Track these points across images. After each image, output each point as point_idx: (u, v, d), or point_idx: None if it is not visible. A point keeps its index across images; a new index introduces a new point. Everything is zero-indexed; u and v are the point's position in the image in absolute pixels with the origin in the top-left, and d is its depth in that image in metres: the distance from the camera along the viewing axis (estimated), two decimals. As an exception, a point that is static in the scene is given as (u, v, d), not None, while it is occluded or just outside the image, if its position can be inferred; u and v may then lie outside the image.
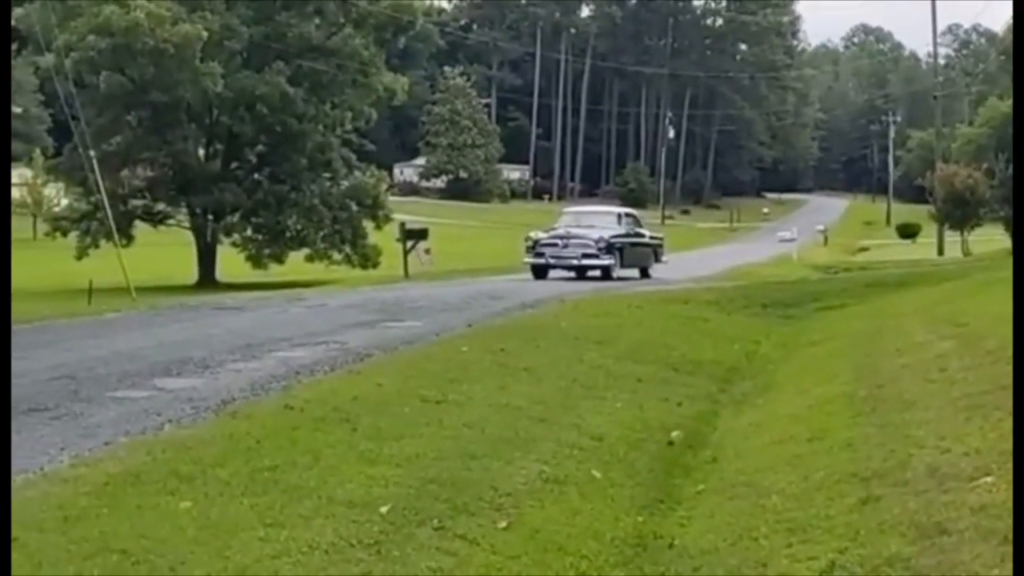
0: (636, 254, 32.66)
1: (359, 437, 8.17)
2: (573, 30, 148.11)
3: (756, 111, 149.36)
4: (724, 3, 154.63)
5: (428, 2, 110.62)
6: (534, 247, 31.24)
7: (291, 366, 11.47)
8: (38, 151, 77.27)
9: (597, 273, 30.32)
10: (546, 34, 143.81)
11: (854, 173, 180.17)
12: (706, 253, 60.02)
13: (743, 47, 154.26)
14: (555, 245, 30.94)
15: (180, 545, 5.67)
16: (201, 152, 51.14)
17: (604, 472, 8.38)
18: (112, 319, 18.15)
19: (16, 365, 11.91)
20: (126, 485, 6.65)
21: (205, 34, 44.77)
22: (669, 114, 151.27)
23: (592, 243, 30.47)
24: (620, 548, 6.74)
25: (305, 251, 49.66)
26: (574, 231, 31.32)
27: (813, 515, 6.68)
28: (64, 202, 58.66)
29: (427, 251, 39.85)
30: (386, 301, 20.95)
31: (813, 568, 5.77)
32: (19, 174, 79.64)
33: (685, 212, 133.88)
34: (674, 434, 10.06)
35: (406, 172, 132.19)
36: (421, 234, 40.11)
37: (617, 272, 30.55)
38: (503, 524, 6.71)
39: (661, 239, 36.13)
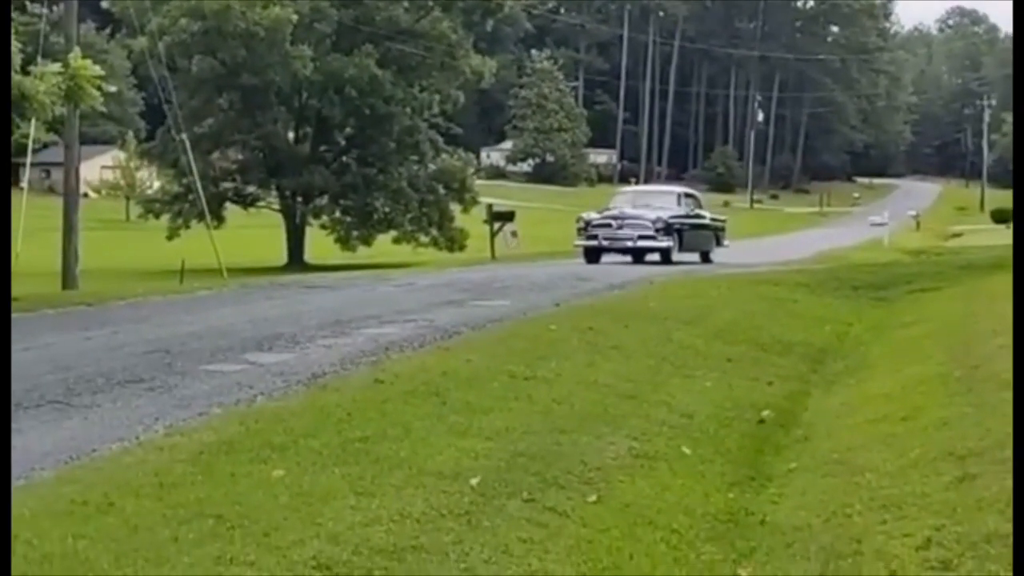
0: (697, 237, 30.68)
1: (449, 410, 8.19)
2: (662, 13, 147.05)
3: (847, 94, 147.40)
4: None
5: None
6: (586, 229, 29.53)
7: (380, 342, 11.52)
8: (131, 134, 78.51)
9: (655, 257, 28.67)
10: (634, 16, 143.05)
11: (947, 157, 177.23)
12: (795, 237, 59.45)
13: (835, 29, 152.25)
14: (609, 226, 29.13)
15: (273, 512, 5.72)
16: (291, 135, 51.76)
17: (694, 449, 8.33)
18: (204, 297, 18.39)
19: (111, 339, 12.14)
20: (220, 454, 6.73)
21: (295, 17, 45.26)
22: (758, 97, 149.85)
23: (649, 224, 28.59)
24: (711, 523, 6.70)
25: (392, 233, 50.05)
26: (629, 211, 29.50)
27: (908, 492, 6.58)
28: (156, 184, 59.70)
29: (514, 233, 39.86)
30: (473, 281, 20.98)
31: (909, 544, 5.68)
32: (112, 157, 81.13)
33: (774, 197, 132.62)
34: (765, 413, 9.97)
35: (493, 156, 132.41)
36: (508, 216, 40.08)
37: (676, 255, 28.77)
38: (593, 498, 6.69)
39: (723, 221, 34.19)
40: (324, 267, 40.77)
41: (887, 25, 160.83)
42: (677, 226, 29.23)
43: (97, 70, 19.77)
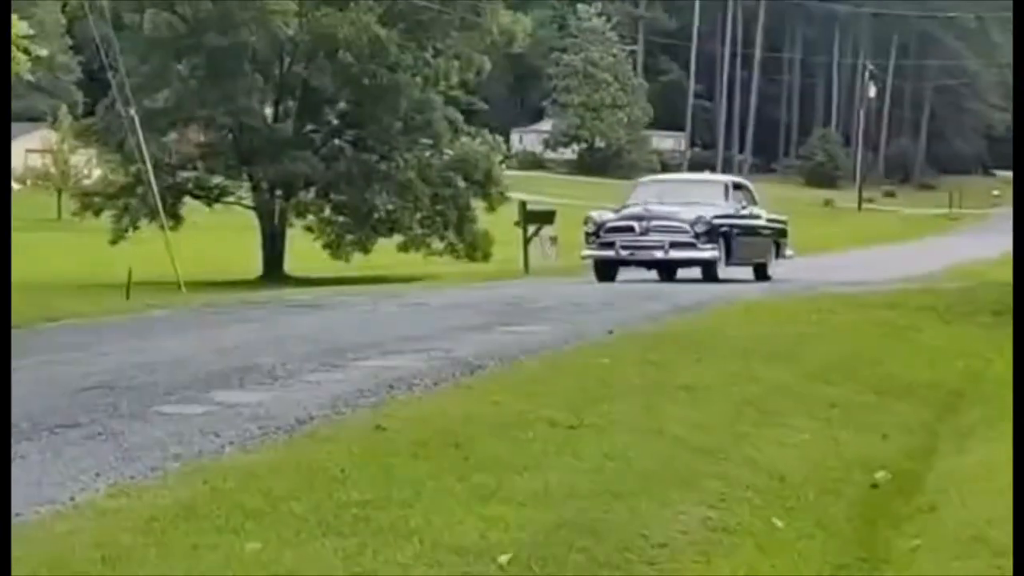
0: (751, 245, 28.73)
1: (471, 468, 8.21)
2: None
3: (984, 63, 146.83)
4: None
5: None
6: (597, 234, 27.61)
7: (383, 378, 11.58)
8: (65, 108, 78.62)
9: (689, 273, 27.05)
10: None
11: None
12: (917, 246, 59.27)
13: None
14: (630, 230, 27.09)
15: (246, 597, 5.75)
16: (268, 111, 51.90)
17: (788, 521, 8.31)
18: (157, 318, 18.50)
19: (39, 371, 12.22)
20: (178, 520, 6.77)
21: (276, -40, 45.45)
22: (870, 66, 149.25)
23: (687, 226, 26.62)
24: (811, 619, 6.69)
25: (397, 238, 50.09)
26: (658, 209, 27.31)
27: (1068, 581, 6.54)
28: (97, 173, 60.10)
29: (553, 239, 39.95)
30: (502, 300, 21.07)
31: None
32: (41, 137, 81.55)
33: (889, 194, 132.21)
34: (879, 474, 9.94)
35: (527, 139, 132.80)
36: (546, 218, 40.14)
37: (723, 270, 26.98)
38: (657, 583, 6.70)
39: (784, 223, 32.03)
40: (310, 280, 40.90)
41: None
42: (724, 229, 27.38)
43: (24, 28, 19.95)
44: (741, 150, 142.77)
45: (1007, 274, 37.91)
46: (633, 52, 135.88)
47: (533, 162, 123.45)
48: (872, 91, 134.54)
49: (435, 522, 7.03)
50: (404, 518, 7.04)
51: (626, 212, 27.97)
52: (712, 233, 26.79)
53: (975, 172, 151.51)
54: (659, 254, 26.79)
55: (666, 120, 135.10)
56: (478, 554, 6.60)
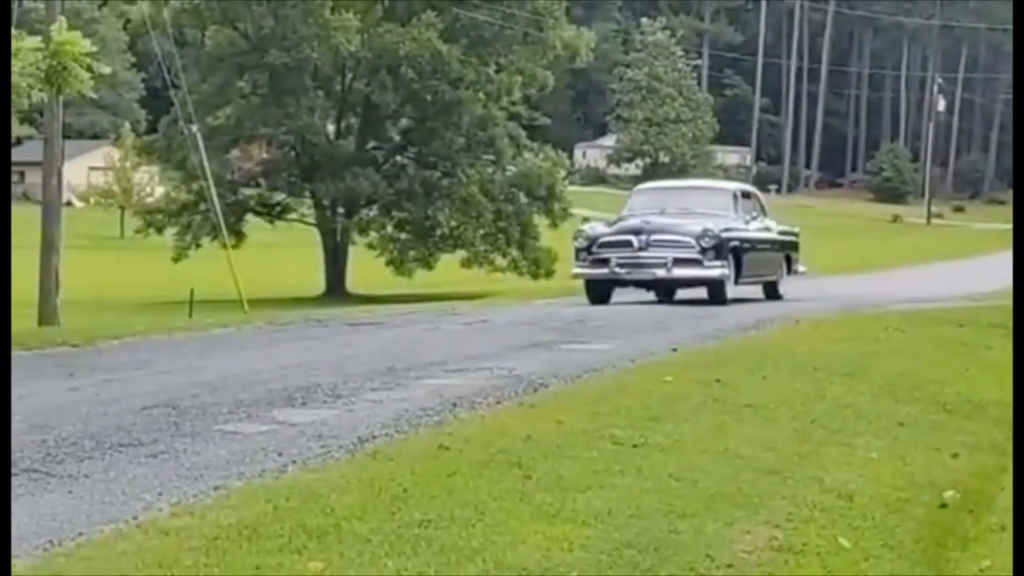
0: (762, 260, 25.74)
1: (534, 487, 8.22)
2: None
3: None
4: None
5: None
6: (589, 249, 24.24)
7: (445, 396, 11.59)
8: (127, 126, 79.34)
9: (698, 293, 24.39)
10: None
11: None
12: (988, 263, 58.67)
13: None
14: (627, 245, 23.71)
15: (309, 617, 5.79)
16: (331, 128, 52.16)
17: (855, 541, 8.28)
18: (219, 336, 18.58)
19: (102, 390, 12.31)
20: (241, 540, 6.80)
21: (337, -23, 45.68)
22: (939, 80, 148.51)
23: (692, 240, 23.44)
24: (879, 640, 6.67)
25: (460, 254, 50.22)
26: (659, 221, 24.03)
27: None
28: (159, 190, 60.58)
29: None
30: (565, 318, 21.02)
31: None
32: (104, 155, 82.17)
33: (959, 210, 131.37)
34: (948, 494, 9.89)
35: (590, 154, 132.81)
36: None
37: (731, 289, 24.09)
38: (723, 604, 6.70)
39: (797, 235, 28.45)
40: (372, 298, 41.04)
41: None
42: (734, 244, 24.18)
43: (87, 45, 20.14)
44: (808, 165, 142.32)
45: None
46: (698, 66, 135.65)
47: (596, 177, 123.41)
48: (941, 105, 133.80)
49: (497, 542, 7.04)
50: (467, 538, 7.06)
51: (622, 225, 24.42)
52: (720, 248, 23.51)
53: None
54: (661, 272, 23.43)
55: (731, 135, 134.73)
56: (541, 574, 6.62)
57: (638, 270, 23.52)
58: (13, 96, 19.69)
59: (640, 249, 23.41)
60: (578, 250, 24.47)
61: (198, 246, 47.47)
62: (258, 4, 46.24)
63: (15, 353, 15.60)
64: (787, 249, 27.34)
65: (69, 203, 43.89)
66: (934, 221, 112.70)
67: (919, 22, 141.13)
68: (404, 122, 52.11)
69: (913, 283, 33.32)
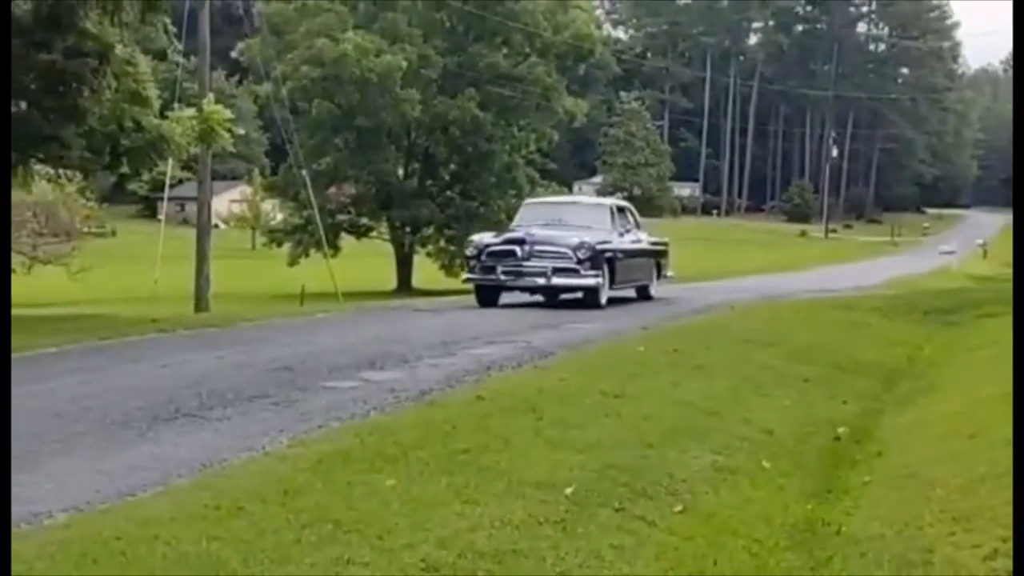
0: (633, 268, 21.79)
1: (545, 425, 8.22)
2: (742, 56, 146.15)
3: (917, 131, 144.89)
4: (887, 30, 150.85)
5: (606, 32, 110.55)
6: (478, 257, 20.13)
7: (482, 362, 11.58)
8: (257, 171, 79.59)
9: (575, 296, 20.10)
10: (716, 60, 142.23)
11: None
12: (868, 265, 58.55)
13: (905, 71, 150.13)
14: (512, 255, 19.72)
15: (386, 517, 5.78)
16: (400, 171, 52.14)
17: (774, 463, 8.28)
18: (322, 319, 18.61)
19: (240, 358, 12.33)
20: (337, 464, 6.80)
21: (404, 64, 45.68)
22: (833, 134, 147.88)
23: (569, 251, 19.52)
24: (790, 533, 6.65)
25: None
26: (541, 233, 20.01)
27: (977, 506, 6.47)
28: (279, 216, 60.58)
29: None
30: (568, 306, 20.95)
31: (977, 555, 5.60)
32: (240, 191, 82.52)
33: (848, 227, 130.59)
34: (840, 430, 9.87)
35: (584, 189, 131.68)
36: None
37: (605, 295, 20.13)
38: (679, 508, 6.69)
39: (666, 245, 24.18)
40: (430, 292, 40.99)
41: (955, 67, 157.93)
42: (609, 254, 20.25)
43: (227, 114, 20.19)
44: (740, 195, 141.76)
45: (933, 284, 37.44)
46: (661, 126, 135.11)
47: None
48: (834, 152, 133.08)
49: (519, 464, 7.05)
50: (497, 461, 7.07)
51: (508, 236, 20.47)
52: (595, 259, 19.71)
53: (911, 210, 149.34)
54: (541, 280, 19.60)
55: (685, 174, 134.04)
56: (550, 487, 6.62)
57: (521, 278, 19.72)
58: (176, 151, 19.77)
59: (524, 259, 19.63)
60: (468, 258, 20.74)
61: (307, 256, 47.43)
62: (349, 84, 46.19)
63: (180, 332, 15.66)
64: (658, 257, 23.41)
65: (216, 226, 43.93)
66: (831, 235, 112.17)
67: (819, 93, 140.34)
68: (452, 167, 52.01)
69: (815, 279, 33.18)
